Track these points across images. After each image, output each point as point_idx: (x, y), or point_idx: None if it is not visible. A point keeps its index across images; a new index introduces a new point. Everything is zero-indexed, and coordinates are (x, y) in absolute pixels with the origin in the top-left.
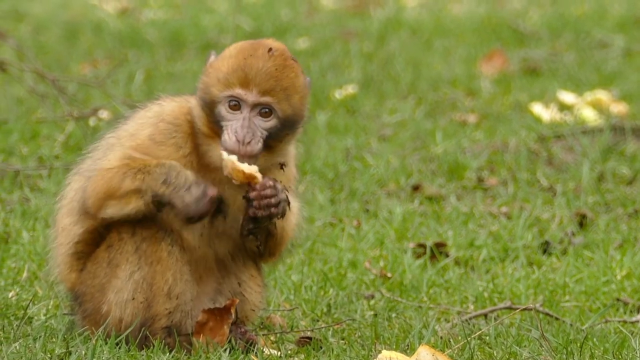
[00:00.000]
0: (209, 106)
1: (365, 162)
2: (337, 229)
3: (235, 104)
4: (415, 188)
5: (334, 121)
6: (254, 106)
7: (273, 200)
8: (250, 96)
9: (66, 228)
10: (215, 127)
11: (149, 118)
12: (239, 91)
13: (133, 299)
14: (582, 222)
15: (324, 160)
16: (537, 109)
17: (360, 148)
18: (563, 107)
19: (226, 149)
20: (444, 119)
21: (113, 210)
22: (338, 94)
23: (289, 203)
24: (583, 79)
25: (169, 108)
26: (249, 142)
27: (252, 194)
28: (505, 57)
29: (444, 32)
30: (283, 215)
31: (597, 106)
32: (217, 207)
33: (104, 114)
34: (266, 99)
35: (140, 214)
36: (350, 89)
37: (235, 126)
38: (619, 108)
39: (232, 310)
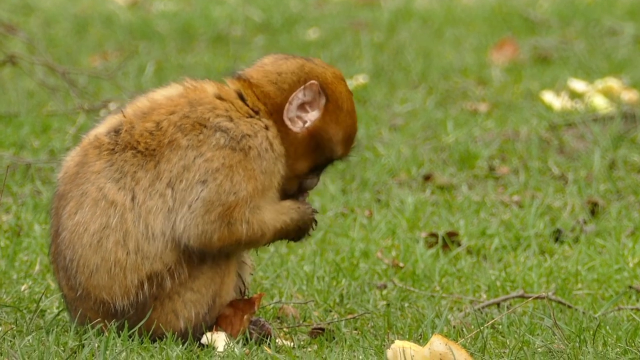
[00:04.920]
0: (321, 152)
1: (377, 152)
2: (349, 219)
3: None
4: (427, 177)
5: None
6: None
7: None
8: None
9: (147, 256)
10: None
11: (236, 142)
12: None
13: (201, 311)
14: (594, 210)
15: None
16: (548, 97)
17: (371, 138)
18: (574, 95)
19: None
20: (455, 108)
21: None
22: (349, 84)
23: None
24: (593, 66)
25: (249, 127)
26: None
27: None
28: (516, 46)
29: (455, 21)
30: None
31: (607, 94)
32: None
33: (115, 106)
34: None
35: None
36: (361, 79)
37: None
38: (629, 95)
39: (257, 304)
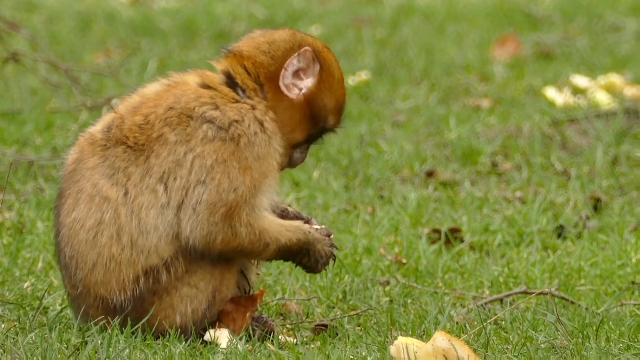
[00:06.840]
0: (316, 121)
1: (380, 148)
2: (352, 215)
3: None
4: (430, 174)
5: (347, 108)
6: None
7: None
8: None
9: (141, 251)
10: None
11: (225, 131)
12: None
13: (199, 307)
14: (597, 205)
15: (338, 147)
16: (551, 93)
17: (374, 134)
18: (577, 91)
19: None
20: (458, 105)
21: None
22: (352, 81)
23: None
24: (596, 62)
25: (236, 112)
26: None
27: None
28: (519, 42)
29: (457, 17)
30: None
31: (610, 90)
32: None
33: (118, 104)
34: None
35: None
36: (364, 76)
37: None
38: (632, 91)
39: (260, 301)
